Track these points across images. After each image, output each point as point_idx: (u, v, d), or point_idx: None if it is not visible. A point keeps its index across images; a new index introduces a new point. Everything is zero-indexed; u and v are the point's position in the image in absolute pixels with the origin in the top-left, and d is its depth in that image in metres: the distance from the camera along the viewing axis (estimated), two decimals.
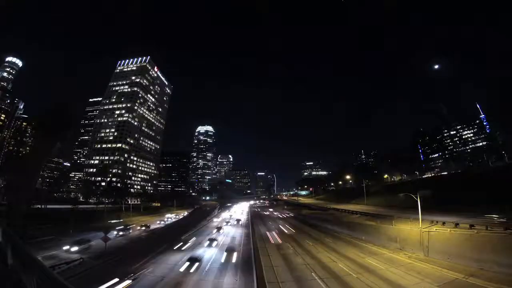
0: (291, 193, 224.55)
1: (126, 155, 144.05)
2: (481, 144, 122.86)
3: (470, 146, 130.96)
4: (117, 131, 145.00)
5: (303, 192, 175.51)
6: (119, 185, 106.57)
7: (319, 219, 62.04)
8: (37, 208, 57.44)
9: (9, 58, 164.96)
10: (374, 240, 35.00)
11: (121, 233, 47.35)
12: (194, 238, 42.58)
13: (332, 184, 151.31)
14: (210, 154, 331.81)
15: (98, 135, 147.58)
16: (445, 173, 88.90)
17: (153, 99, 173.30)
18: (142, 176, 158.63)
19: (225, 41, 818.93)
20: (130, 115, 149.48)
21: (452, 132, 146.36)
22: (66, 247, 32.36)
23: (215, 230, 52.14)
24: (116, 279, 20.54)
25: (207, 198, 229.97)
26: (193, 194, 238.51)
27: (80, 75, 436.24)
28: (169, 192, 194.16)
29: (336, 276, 22.41)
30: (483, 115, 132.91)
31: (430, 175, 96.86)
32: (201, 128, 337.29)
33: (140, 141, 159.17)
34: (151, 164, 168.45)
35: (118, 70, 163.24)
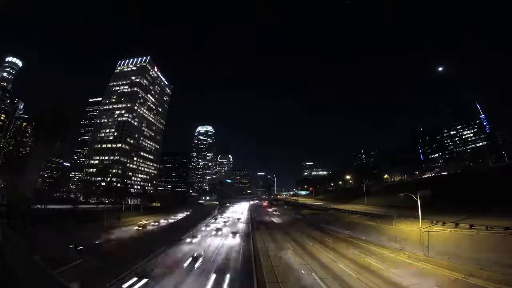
0: (291, 193, 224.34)
1: (126, 155, 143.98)
2: (481, 144, 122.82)
3: (470, 146, 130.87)
4: (117, 131, 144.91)
5: (303, 192, 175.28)
6: (119, 185, 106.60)
7: (319, 219, 62.07)
8: (37, 208, 57.41)
9: (9, 58, 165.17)
10: (374, 240, 35.00)
11: None
12: None
13: (332, 184, 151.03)
14: (210, 154, 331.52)
15: (98, 135, 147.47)
16: (445, 173, 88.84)
17: (153, 99, 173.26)
18: (142, 176, 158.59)
19: (225, 40, 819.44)
20: (130, 115, 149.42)
21: (452, 132, 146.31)
22: None
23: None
24: None
25: (207, 198, 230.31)
26: (193, 194, 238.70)
27: (80, 75, 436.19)
28: (169, 192, 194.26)
29: (336, 276, 22.43)
30: (483, 115, 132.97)
31: (430, 175, 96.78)
32: (201, 128, 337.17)
33: (140, 141, 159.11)
34: (151, 164, 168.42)
35: (118, 70, 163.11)
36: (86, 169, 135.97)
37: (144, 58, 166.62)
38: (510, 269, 18.51)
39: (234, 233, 47.39)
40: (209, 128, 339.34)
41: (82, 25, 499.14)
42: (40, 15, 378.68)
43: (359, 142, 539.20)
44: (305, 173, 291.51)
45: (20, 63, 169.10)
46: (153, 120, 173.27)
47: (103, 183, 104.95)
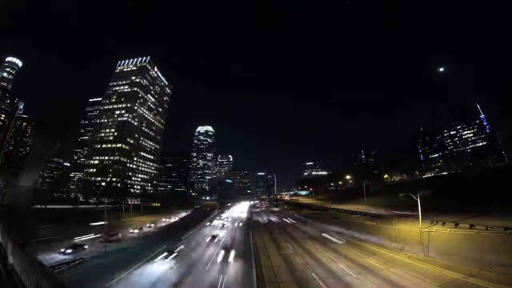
0: (291, 193, 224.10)
1: (126, 155, 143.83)
2: (481, 144, 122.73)
3: (470, 146, 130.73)
4: (117, 131, 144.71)
5: (303, 192, 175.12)
6: (119, 185, 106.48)
7: (319, 219, 62.01)
8: (37, 208, 57.41)
9: (9, 58, 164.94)
10: (374, 240, 34.95)
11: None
12: None
13: (332, 184, 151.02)
14: (210, 154, 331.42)
15: (98, 135, 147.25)
16: (445, 173, 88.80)
17: (153, 99, 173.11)
18: (142, 176, 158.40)
19: (225, 40, 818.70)
20: (130, 115, 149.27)
21: (452, 132, 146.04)
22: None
23: None
24: None
25: (207, 198, 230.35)
26: (193, 194, 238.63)
27: (80, 75, 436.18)
28: (169, 192, 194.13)
29: (336, 276, 22.41)
30: (483, 115, 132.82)
31: (430, 175, 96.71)
32: (201, 128, 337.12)
33: (140, 141, 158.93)
34: (151, 164, 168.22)
35: (118, 70, 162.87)
36: (86, 169, 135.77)
37: (144, 58, 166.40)
38: (510, 269, 18.50)
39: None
40: (209, 128, 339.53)
41: (82, 25, 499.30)
42: (41, 15, 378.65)
43: (359, 142, 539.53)
44: (305, 173, 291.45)
45: (20, 63, 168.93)
46: (153, 120, 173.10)
47: (103, 183, 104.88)
